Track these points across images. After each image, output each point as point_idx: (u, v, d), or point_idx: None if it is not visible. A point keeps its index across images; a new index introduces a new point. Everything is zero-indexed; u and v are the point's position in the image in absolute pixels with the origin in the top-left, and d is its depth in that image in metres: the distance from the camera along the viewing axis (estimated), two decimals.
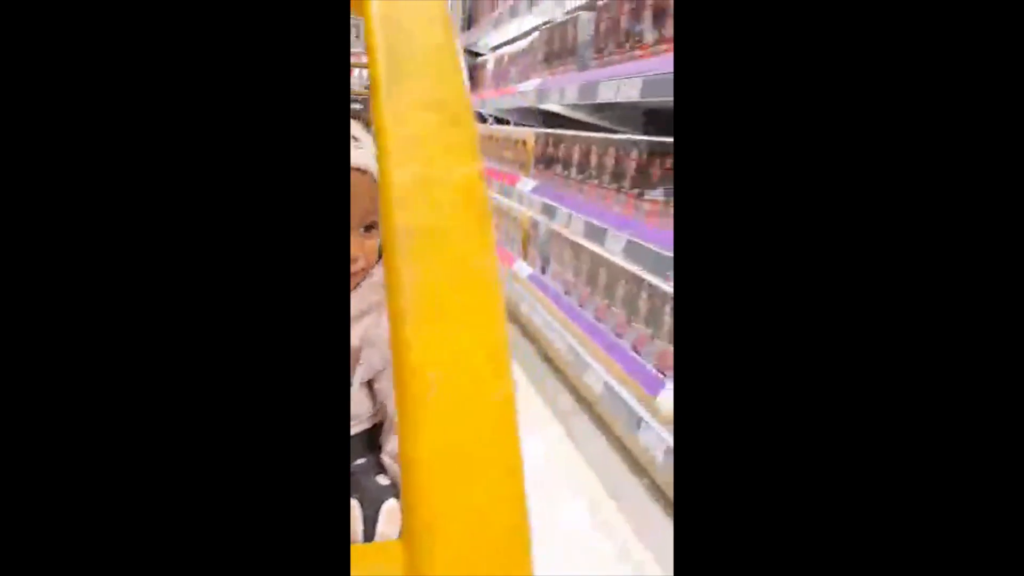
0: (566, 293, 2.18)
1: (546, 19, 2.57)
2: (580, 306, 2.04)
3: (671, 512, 1.48)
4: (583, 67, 2.07)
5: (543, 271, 2.44)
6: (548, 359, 2.30)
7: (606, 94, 1.71)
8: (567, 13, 2.30)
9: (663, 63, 1.49)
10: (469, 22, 3.82)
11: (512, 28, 3.01)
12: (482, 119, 3.69)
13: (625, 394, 1.64)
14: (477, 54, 3.88)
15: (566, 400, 2.06)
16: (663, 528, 1.44)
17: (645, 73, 1.53)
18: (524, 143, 2.65)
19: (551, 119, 2.50)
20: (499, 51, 3.34)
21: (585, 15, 2.08)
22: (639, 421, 1.53)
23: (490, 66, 3.48)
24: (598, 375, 1.78)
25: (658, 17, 1.61)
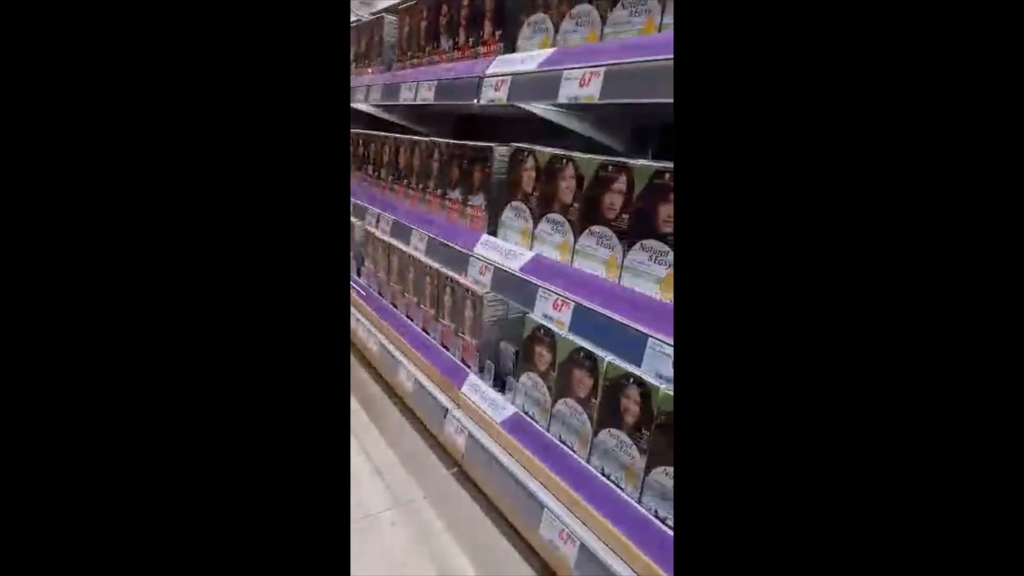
0: (379, 293, 2.17)
1: (354, 18, 2.54)
2: (393, 305, 2.05)
3: (477, 496, 1.56)
4: (388, 68, 2.08)
5: (358, 272, 2.40)
6: (364, 360, 2.27)
7: (406, 95, 1.74)
8: (373, 14, 2.30)
9: (456, 69, 1.56)
10: None
11: None
12: None
13: (432, 388, 1.68)
14: None
15: (380, 399, 2.05)
16: (470, 514, 1.51)
17: (440, 77, 1.59)
18: None
19: (372, 120, 2.47)
20: None
21: (389, 18, 2.10)
22: (445, 412, 1.59)
23: None
24: (409, 372, 1.80)
25: (452, 26, 1.69)
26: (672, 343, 0.91)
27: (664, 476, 1.02)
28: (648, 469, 1.05)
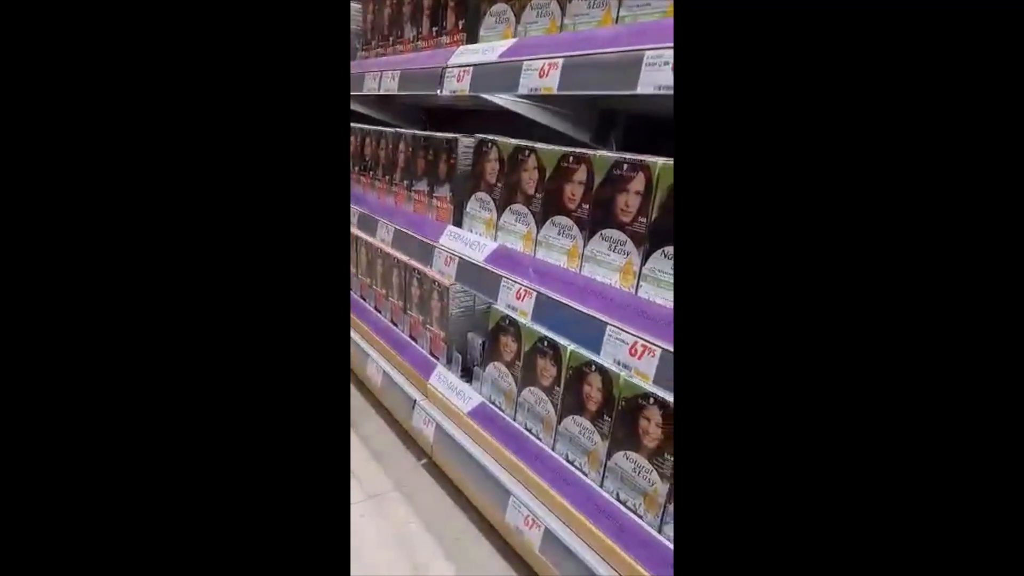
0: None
1: None
2: (362, 298, 2.04)
3: (446, 487, 1.57)
4: (352, 57, 2.06)
5: None
6: None
7: (371, 85, 1.73)
8: None
9: (419, 59, 1.55)
10: None
11: None
12: None
13: (401, 380, 1.68)
14: None
15: (352, 394, 2.04)
16: (440, 505, 1.52)
17: (403, 67, 1.58)
18: None
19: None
20: None
21: (354, 6, 2.07)
22: (413, 403, 1.59)
23: None
24: (378, 365, 1.80)
25: (416, 15, 1.67)
26: (630, 331, 0.93)
27: (625, 460, 1.04)
28: (609, 454, 1.07)
